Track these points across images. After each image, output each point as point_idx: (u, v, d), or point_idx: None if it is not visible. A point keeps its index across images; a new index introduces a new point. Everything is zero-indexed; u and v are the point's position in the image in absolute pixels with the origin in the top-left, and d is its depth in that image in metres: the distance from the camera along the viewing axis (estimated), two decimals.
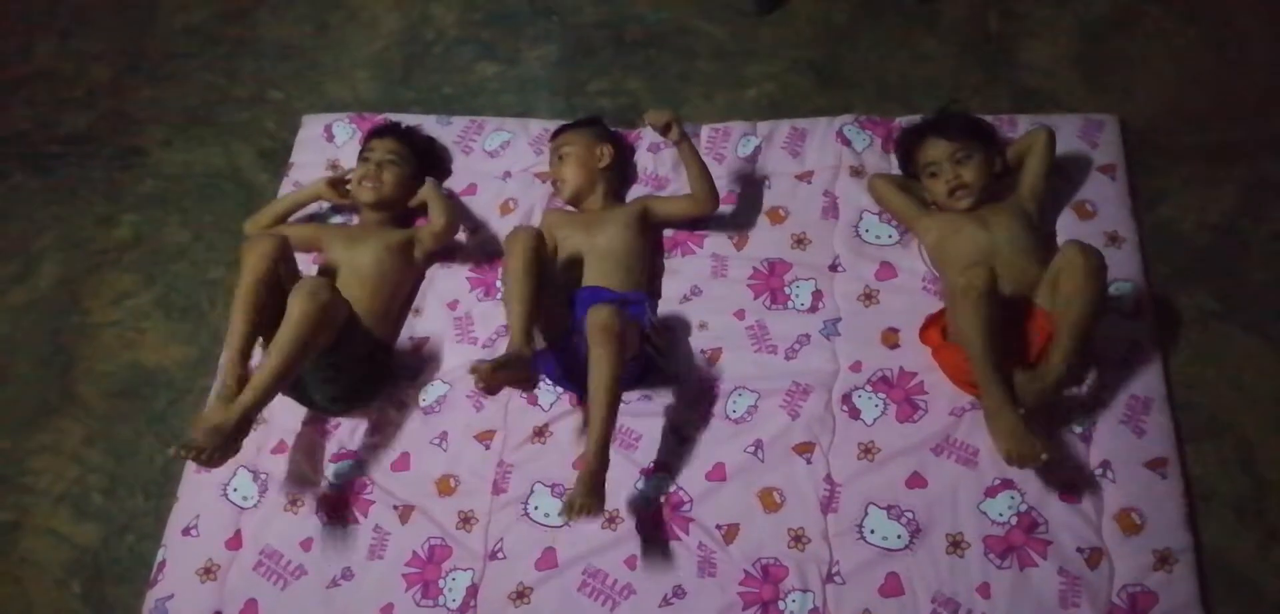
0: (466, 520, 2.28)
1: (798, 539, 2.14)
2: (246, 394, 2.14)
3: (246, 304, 2.23)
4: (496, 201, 2.79)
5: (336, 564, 2.27)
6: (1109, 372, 2.22)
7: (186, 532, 2.35)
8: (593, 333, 2.14)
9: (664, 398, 2.37)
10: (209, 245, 2.89)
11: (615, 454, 2.28)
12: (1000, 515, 2.10)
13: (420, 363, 2.53)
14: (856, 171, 2.65)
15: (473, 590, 2.19)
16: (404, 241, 2.61)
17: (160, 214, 2.98)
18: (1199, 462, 2.15)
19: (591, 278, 2.44)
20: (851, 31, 3.05)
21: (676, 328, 2.48)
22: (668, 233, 2.64)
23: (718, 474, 2.24)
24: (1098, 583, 2.01)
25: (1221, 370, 2.26)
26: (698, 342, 2.45)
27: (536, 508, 2.25)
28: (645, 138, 2.82)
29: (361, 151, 2.76)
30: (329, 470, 2.39)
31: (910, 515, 2.12)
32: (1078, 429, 2.18)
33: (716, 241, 2.61)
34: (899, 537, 2.10)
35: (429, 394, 2.46)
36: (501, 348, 2.41)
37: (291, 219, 2.75)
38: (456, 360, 2.50)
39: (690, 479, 2.25)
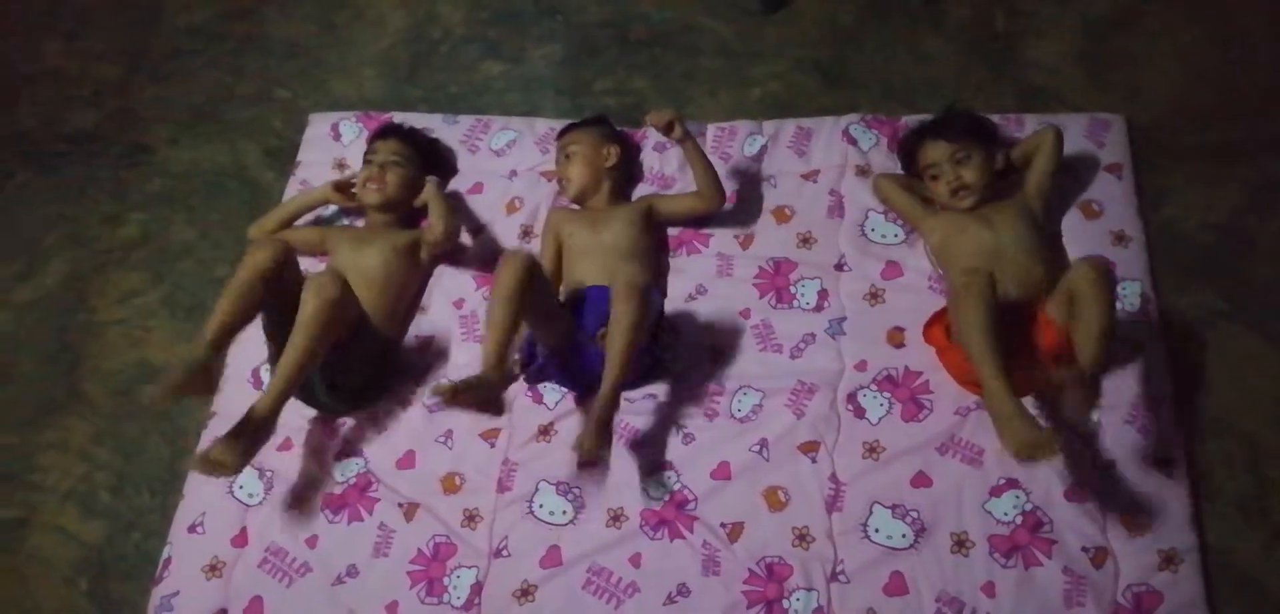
0: (471, 518, 2.28)
1: (802, 538, 2.14)
2: (266, 397, 2.16)
3: (234, 293, 2.21)
4: (502, 200, 2.79)
5: (342, 561, 2.27)
6: (1114, 371, 2.22)
7: (192, 529, 2.35)
8: (619, 292, 2.17)
9: (669, 396, 2.37)
10: (215, 244, 2.89)
11: (620, 453, 2.29)
12: (1005, 515, 2.10)
13: (426, 361, 2.54)
14: (862, 171, 2.65)
15: (477, 588, 2.19)
16: (410, 243, 2.61)
17: (166, 213, 2.99)
18: (1204, 461, 2.15)
19: (598, 276, 2.44)
20: (857, 31, 3.05)
21: (682, 326, 2.48)
22: (673, 232, 2.64)
23: (723, 473, 2.25)
24: (1103, 582, 2.01)
25: (1227, 370, 2.26)
26: (703, 340, 2.45)
27: (541, 506, 2.26)
28: (651, 137, 2.82)
29: (366, 153, 2.76)
30: (334, 468, 2.40)
31: (915, 514, 2.12)
32: (1082, 429, 2.17)
33: (722, 240, 2.61)
34: (904, 536, 2.11)
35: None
36: None
37: (297, 223, 2.76)
38: (462, 359, 2.51)
39: (695, 478, 2.25)
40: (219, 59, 3.36)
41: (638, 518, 2.21)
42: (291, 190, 2.90)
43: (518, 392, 2.42)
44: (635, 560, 2.17)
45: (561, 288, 2.56)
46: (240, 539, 2.33)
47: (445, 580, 2.21)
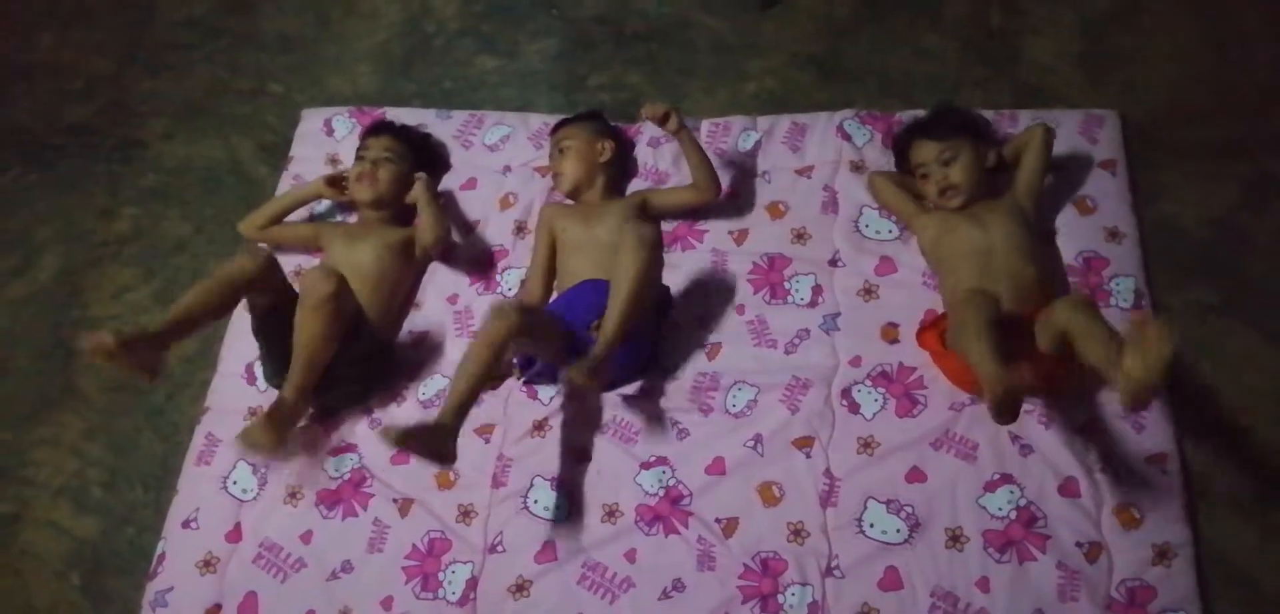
0: (466, 514, 2.28)
1: (797, 533, 2.14)
2: (287, 387, 2.24)
3: (203, 290, 2.23)
4: (496, 196, 2.78)
5: (336, 557, 2.27)
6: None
7: (186, 524, 2.35)
8: (629, 243, 2.20)
9: (663, 392, 2.37)
10: (209, 239, 2.89)
11: (615, 448, 2.29)
12: (999, 510, 2.10)
13: (420, 357, 2.53)
14: (857, 166, 2.65)
15: (472, 583, 2.19)
16: (404, 240, 2.61)
17: (160, 207, 2.98)
18: (1198, 456, 2.15)
19: (591, 271, 2.43)
20: (853, 26, 3.05)
21: (676, 322, 2.48)
22: (668, 227, 2.63)
23: (717, 468, 2.24)
24: (1096, 577, 2.01)
25: (1221, 366, 2.26)
26: (697, 336, 2.45)
27: (536, 502, 2.25)
28: (645, 132, 2.82)
29: (358, 149, 2.76)
30: (329, 463, 2.39)
31: (909, 509, 2.12)
32: (1077, 424, 2.17)
33: (716, 236, 2.61)
34: (898, 531, 2.11)
35: (429, 388, 2.46)
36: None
37: (291, 218, 2.75)
38: (456, 355, 2.50)
39: (690, 473, 2.25)
40: (213, 53, 3.35)
41: (633, 513, 2.21)
42: (284, 185, 2.90)
43: (512, 387, 2.42)
44: (630, 556, 2.16)
45: (554, 283, 2.55)
46: (234, 534, 2.33)
47: (440, 576, 2.21)
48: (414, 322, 2.61)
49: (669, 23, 3.15)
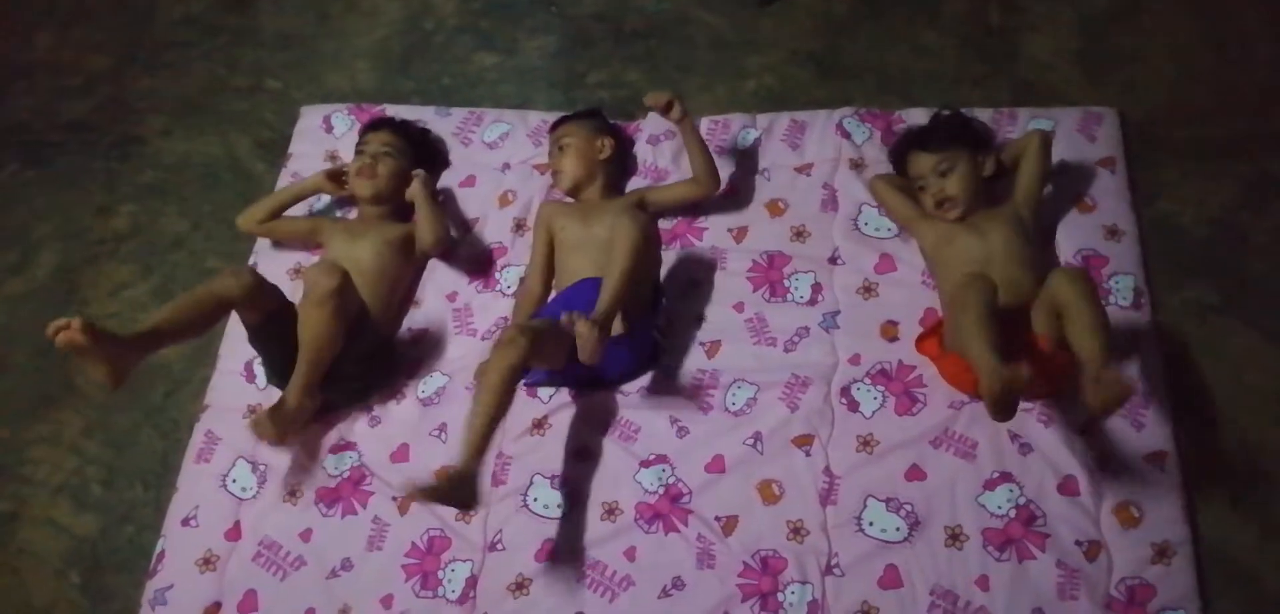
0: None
1: (797, 531, 2.14)
2: (291, 388, 2.23)
3: (182, 304, 2.22)
4: (495, 193, 2.78)
5: (336, 555, 2.27)
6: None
7: (186, 522, 2.35)
8: (619, 226, 2.22)
9: (663, 390, 2.37)
10: (207, 236, 2.89)
11: (615, 446, 2.29)
12: (999, 508, 2.10)
13: (420, 354, 2.53)
14: (856, 164, 2.65)
15: (472, 581, 2.19)
16: (403, 236, 2.61)
17: (158, 204, 2.98)
18: (1197, 455, 2.15)
19: (590, 269, 2.43)
20: (852, 24, 3.05)
21: (676, 320, 2.48)
22: (667, 225, 2.63)
23: (717, 466, 2.25)
24: (1096, 575, 2.01)
25: (1220, 364, 2.27)
26: (697, 334, 2.45)
27: (536, 500, 2.25)
28: (645, 130, 2.82)
29: (357, 145, 2.75)
30: (328, 461, 2.39)
31: (909, 508, 2.13)
32: (1076, 422, 2.18)
33: (716, 234, 2.61)
34: (898, 529, 2.11)
35: (428, 386, 2.46)
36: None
37: (290, 213, 2.75)
38: (456, 352, 2.51)
39: (689, 471, 2.25)
40: (211, 51, 3.35)
41: (632, 511, 2.21)
42: (283, 182, 2.89)
43: None
44: (630, 554, 2.17)
45: (553, 281, 2.55)
46: (234, 532, 2.33)
47: (440, 574, 2.21)
48: (413, 319, 2.61)
49: (668, 19, 3.15)
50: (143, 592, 2.29)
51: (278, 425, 2.23)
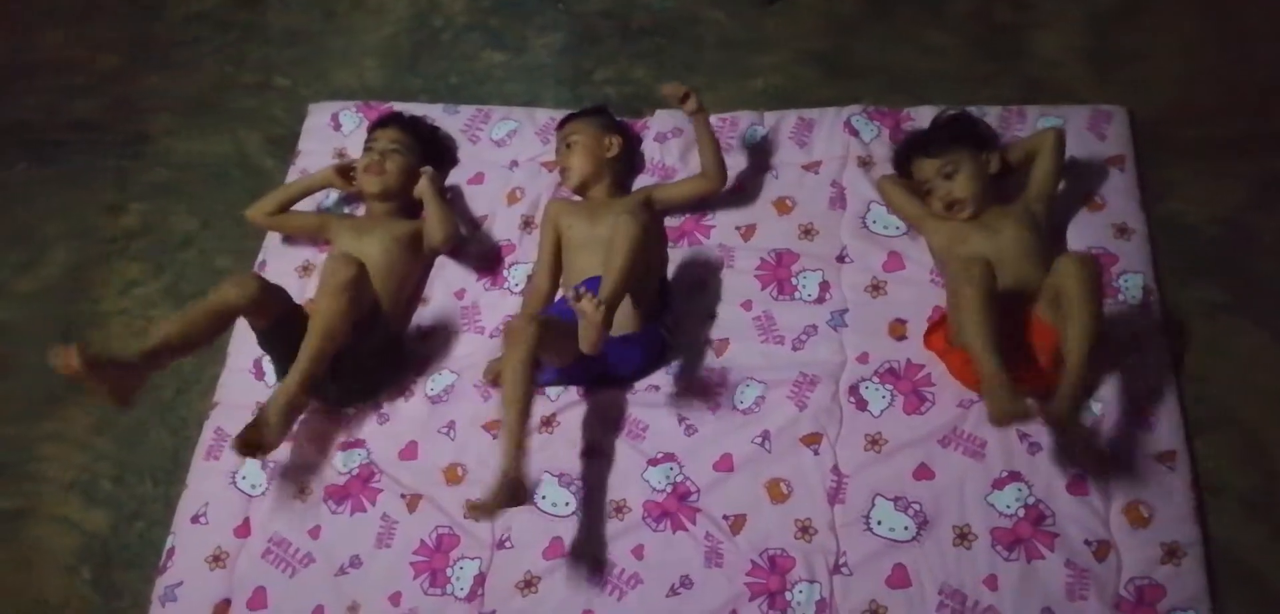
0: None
1: (805, 530, 2.14)
2: (290, 380, 2.20)
3: (187, 317, 2.22)
4: (503, 191, 2.79)
5: (345, 552, 2.27)
6: (1117, 364, 2.22)
7: (196, 519, 2.36)
8: (620, 223, 2.20)
9: (671, 388, 2.37)
10: (217, 233, 2.89)
11: (623, 444, 2.29)
12: (1007, 507, 2.10)
13: (428, 351, 2.54)
14: (864, 162, 2.64)
15: (480, 579, 2.19)
16: (412, 233, 2.61)
17: (168, 202, 2.99)
18: (1207, 455, 2.15)
19: (597, 267, 2.42)
20: (859, 22, 3.04)
21: (683, 318, 2.48)
22: (674, 223, 2.63)
23: (725, 465, 2.25)
24: (1105, 575, 2.01)
25: (1230, 364, 2.26)
26: (705, 332, 2.45)
27: (544, 497, 2.26)
28: (652, 128, 2.82)
29: (366, 142, 2.76)
30: (337, 459, 2.40)
31: (917, 507, 2.13)
32: (1086, 422, 2.17)
33: (724, 232, 2.61)
34: (906, 528, 2.11)
35: (436, 383, 2.47)
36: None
37: (298, 208, 2.76)
38: (464, 350, 2.51)
39: (697, 470, 2.25)
40: (220, 48, 3.35)
41: (640, 509, 2.22)
42: (292, 180, 2.89)
43: None
44: (638, 552, 2.17)
45: (561, 280, 2.55)
46: (243, 529, 2.34)
47: (448, 571, 2.21)
48: (422, 316, 2.61)
49: (675, 17, 3.15)
50: (153, 588, 2.30)
51: (260, 436, 2.17)
